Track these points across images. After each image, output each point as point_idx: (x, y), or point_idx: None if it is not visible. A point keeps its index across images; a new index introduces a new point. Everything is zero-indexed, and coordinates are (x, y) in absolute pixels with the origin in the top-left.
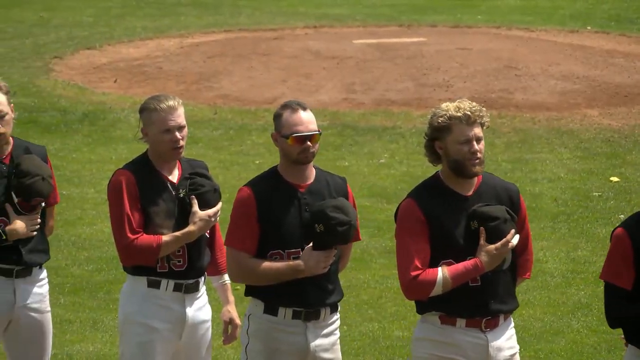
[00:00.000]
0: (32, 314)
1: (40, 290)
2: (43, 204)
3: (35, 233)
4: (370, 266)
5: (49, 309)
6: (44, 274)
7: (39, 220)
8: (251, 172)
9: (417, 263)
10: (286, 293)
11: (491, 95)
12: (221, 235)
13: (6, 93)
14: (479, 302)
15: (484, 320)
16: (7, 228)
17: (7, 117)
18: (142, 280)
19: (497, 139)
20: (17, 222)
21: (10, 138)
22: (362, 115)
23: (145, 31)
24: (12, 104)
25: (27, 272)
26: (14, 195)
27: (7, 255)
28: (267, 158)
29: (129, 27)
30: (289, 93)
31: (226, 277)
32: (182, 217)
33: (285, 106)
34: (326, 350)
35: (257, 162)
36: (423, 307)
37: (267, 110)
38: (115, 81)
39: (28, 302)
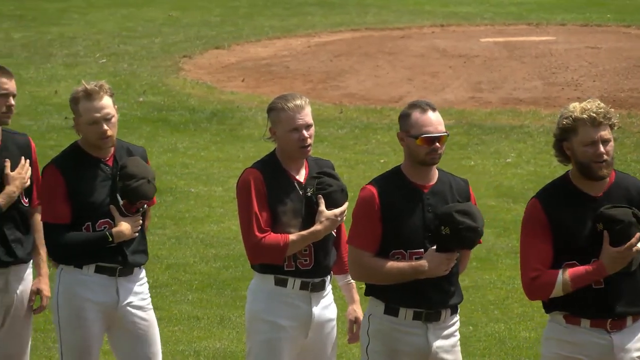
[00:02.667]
0: (136, 311)
1: (141, 289)
2: (145, 206)
3: (137, 234)
4: (497, 266)
5: (151, 306)
6: (143, 273)
7: (141, 221)
8: (376, 171)
9: (537, 264)
10: (407, 293)
11: (620, 95)
12: (346, 234)
13: (111, 95)
14: (603, 304)
15: (609, 321)
16: (114, 230)
17: (113, 120)
18: (270, 278)
19: (626, 138)
20: (123, 224)
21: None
22: (488, 114)
23: (272, 30)
24: (116, 106)
25: (129, 270)
26: (119, 198)
27: (112, 256)
28: (392, 157)
29: (256, 26)
30: (415, 92)
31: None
32: (309, 216)
33: (414, 106)
34: (447, 351)
35: (382, 160)
36: (549, 306)
37: (392, 109)
38: (242, 80)
39: (131, 300)
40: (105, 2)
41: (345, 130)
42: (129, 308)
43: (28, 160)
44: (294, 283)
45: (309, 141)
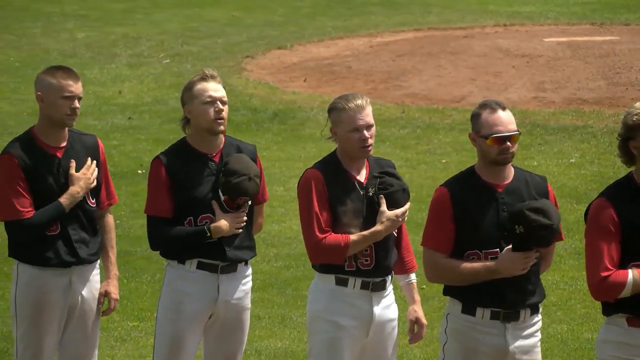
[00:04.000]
0: (233, 309)
1: (243, 287)
2: (249, 203)
3: (240, 231)
4: (560, 267)
5: (249, 306)
6: (249, 270)
7: (244, 218)
8: (438, 171)
9: (608, 264)
10: (484, 293)
11: None
12: (407, 234)
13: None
14: None
15: None
16: (212, 225)
17: (226, 107)
18: (330, 278)
19: None
20: (222, 220)
21: (223, 136)
22: (552, 114)
23: (335, 30)
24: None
25: (232, 268)
26: (220, 193)
27: (213, 252)
28: (454, 157)
29: (319, 26)
30: (478, 92)
31: (412, 276)
32: (370, 216)
33: (484, 106)
34: (526, 352)
35: (444, 161)
36: (609, 308)
37: (454, 109)
38: (304, 80)
39: (230, 298)
40: (170, 2)
41: (407, 130)
42: (227, 306)
43: (95, 161)
44: (354, 283)
45: (370, 141)
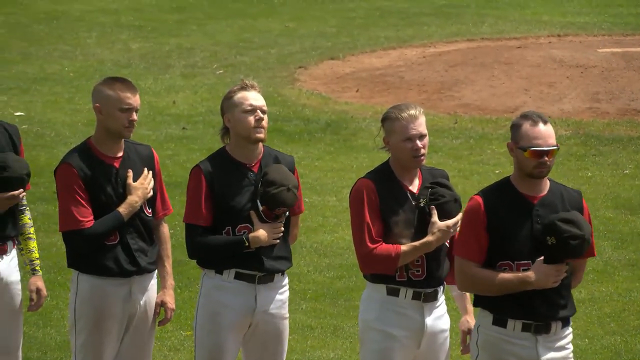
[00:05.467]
0: (271, 319)
1: (280, 297)
2: (287, 213)
3: (277, 241)
4: (614, 279)
5: (287, 315)
6: (286, 280)
7: (282, 228)
8: (490, 182)
9: None
10: (515, 305)
11: None
12: None
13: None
14: None
15: None
16: (250, 235)
17: (266, 117)
18: (382, 288)
19: None
20: (260, 230)
21: (261, 146)
22: (606, 125)
23: (388, 41)
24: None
25: (269, 278)
26: (259, 204)
27: (250, 262)
28: (507, 168)
29: (372, 37)
30: (531, 102)
31: None
32: (422, 226)
33: (525, 117)
34: None
35: (497, 171)
36: None
37: (508, 119)
38: (357, 91)
39: (268, 308)
40: (223, 13)
41: (460, 141)
42: (265, 316)
43: (151, 171)
44: (406, 293)
45: (423, 151)
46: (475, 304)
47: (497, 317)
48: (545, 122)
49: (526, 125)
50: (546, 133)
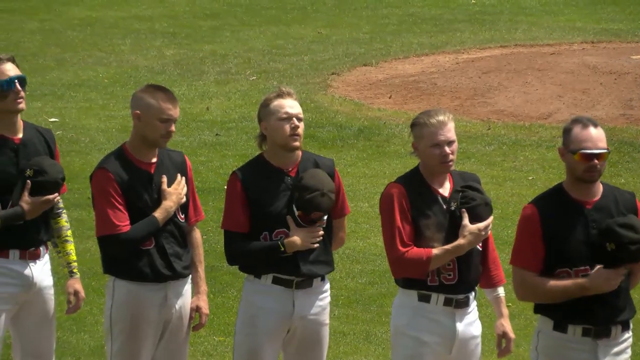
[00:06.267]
0: (310, 325)
1: (320, 303)
2: (325, 217)
3: (316, 246)
4: None
5: (327, 321)
6: (327, 286)
7: (320, 233)
8: (524, 189)
9: None
10: (575, 310)
11: None
12: (494, 248)
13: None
14: None
15: None
16: (286, 240)
17: (302, 124)
18: (413, 294)
19: None
20: (296, 235)
21: (299, 151)
22: (639, 132)
23: (420, 47)
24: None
25: (307, 283)
26: (295, 208)
27: (287, 267)
28: (541, 174)
29: (404, 43)
30: (565, 109)
31: (500, 290)
32: (453, 230)
33: (576, 121)
34: None
35: (530, 178)
36: None
37: (541, 125)
38: (390, 97)
39: (306, 313)
40: (257, 20)
41: (493, 147)
42: (303, 321)
43: (184, 178)
44: (437, 299)
45: (451, 157)
46: (535, 311)
47: (557, 323)
48: (595, 126)
49: (577, 129)
50: (596, 136)
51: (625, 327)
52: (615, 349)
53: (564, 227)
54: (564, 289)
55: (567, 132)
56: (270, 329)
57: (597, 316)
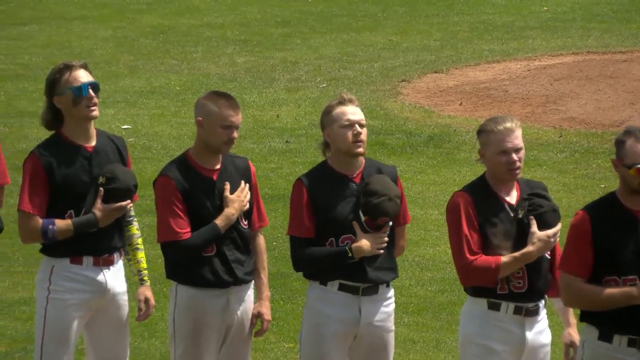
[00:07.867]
0: (376, 331)
1: (385, 309)
2: (390, 224)
3: (381, 251)
4: None
5: (392, 328)
6: (391, 292)
7: (386, 239)
8: (596, 196)
9: None
10: (621, 320)
11: None
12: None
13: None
14: None
15: None
16: (353, 245)
17: (365, 130)
18: (482, 302)
19: None
20: (363, 241)
21: (363, 158)
22: None
23: (492, 54)
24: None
25: (373, 290)
26: (361, 214)
27: (353, 272)
28: (613, 182)
29: (476, 50)
30: (637, 116)
31: None
32: (521, 238)
33: (629, 133)
34: None
35: (603, 185)
36: None
37: (613, 133)
38: (460, 104)
39: (373, 319)
40: (327, 27)
41: (564, 155)
42: (370, 328)
43: (247, 184)
44: (507, 307)
45: (518, 164)
46: (581, 319)
47: (603, 333)
48: None
49: (630, 142)
50: None
51: None
52: None
53: (614, 235)
54: (610, 297)
55: (620, 144)
56: (336, 336)
57: None
